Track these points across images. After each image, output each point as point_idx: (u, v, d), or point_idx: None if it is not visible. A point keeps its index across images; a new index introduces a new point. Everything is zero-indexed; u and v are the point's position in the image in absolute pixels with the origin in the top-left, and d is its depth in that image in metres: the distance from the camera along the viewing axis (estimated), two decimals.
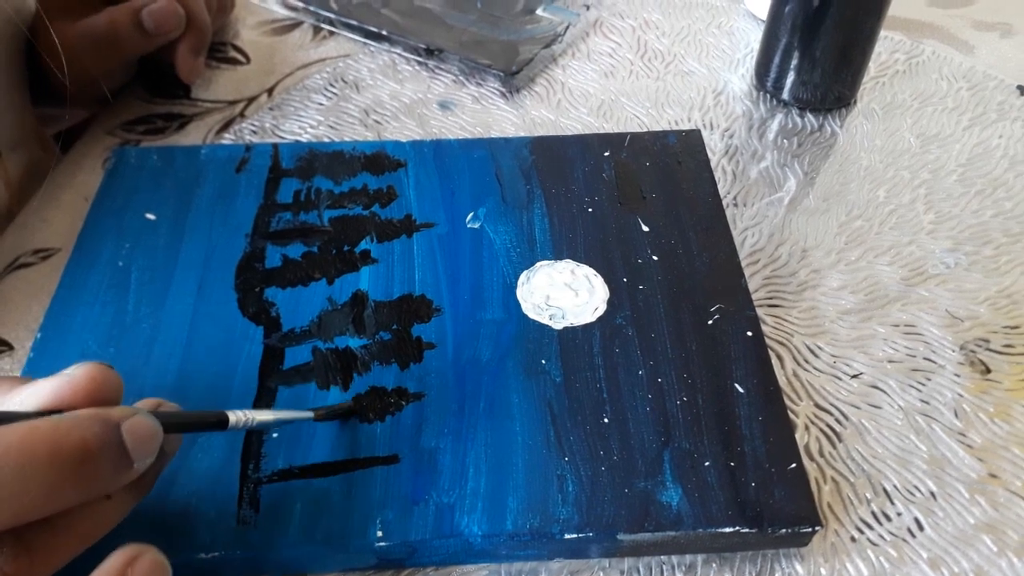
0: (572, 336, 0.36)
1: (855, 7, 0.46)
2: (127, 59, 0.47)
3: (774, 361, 0.38)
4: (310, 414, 0.32)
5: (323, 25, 0.56)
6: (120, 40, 0.45)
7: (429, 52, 0.53)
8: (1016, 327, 0.39)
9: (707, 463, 0.32)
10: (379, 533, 0.30)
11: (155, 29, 0.45)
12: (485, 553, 0.31)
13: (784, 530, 0.30)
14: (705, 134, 0.48)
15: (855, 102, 0.51)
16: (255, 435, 0.32)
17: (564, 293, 0.37)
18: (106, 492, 0.24)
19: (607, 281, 0.38)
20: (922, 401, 0.36)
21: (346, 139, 0.48)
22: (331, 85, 0.52)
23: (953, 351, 0.38)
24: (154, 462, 0.25)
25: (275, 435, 0.32)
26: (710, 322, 0.36)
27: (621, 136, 0.45)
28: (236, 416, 0.28)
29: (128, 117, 0.50)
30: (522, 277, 0.38)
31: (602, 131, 0.49)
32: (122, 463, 0.24)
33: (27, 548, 0.22)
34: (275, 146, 0.44)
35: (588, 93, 0.52)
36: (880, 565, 0.32)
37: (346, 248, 0.39)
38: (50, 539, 0.23)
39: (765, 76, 0.51)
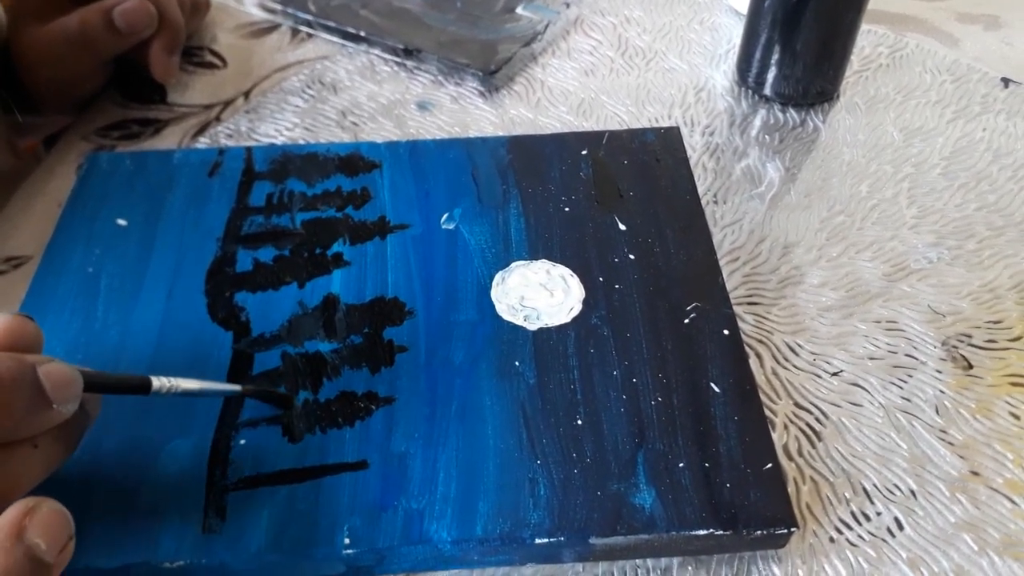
0: (547, 337, 0.35)
1: (835, 0, 0.45)
2: (100, 60, 0.47)
3: (753, 360, 0.37)
4: (238, 387, 0.32)
5: (301, 27, 0.55)
6: (92, 40, 0.44)
7: (407, 52, 0.52)
8: (998, 322, 0.38)
9: (681, 464, 0.31)
10: (346, 540, 0.29)
11: (127, 28, 0.44)
12: (455, 559, 0.30)
13: (759, 532, 0.30)
14: (686, 131, 0.48)
15: (838, 96, 0.50)
16: (222, 441, 0.32)
17: (539, 293, 0.37)
18: (27, 431, 0.25)
19: (583, 281, 0.37)
20: (903, 398, 0.36)
21: (322, 141, 0.47)
22: (308, 87, 0.51)
23: (935, 347, 0.38)
24: (77, 419, 0.26)
25: (243, 442, 0.32)
26: (686, 321, 0.36)
27: (599, 134, 0.44)
28: (160, 382, 0.29)
29: (103, 122, 0.49)
30: (497, 278, 0.38)
31: (582, 129, 0.48)
32: (39, 401, 0.25)
33: None
34: (248, 149, 0.43)
35: (568, 91, 0.51)
36: (859, 566, 0.31)
37: (318, 251, 0.38)
38: None
39: (747, 72, 0.50)
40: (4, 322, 0.27)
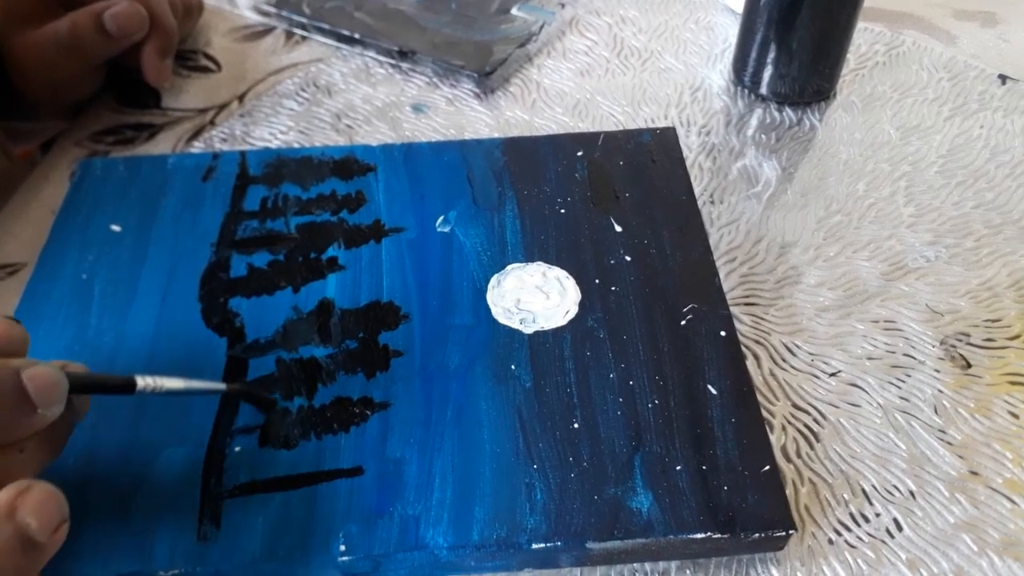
0: (543, 340, 0.35)
1: None
2: (92, 64, 0.46)
3: (751, 361, 0.37)
4: (222, 386, 0.32)
5: (295, 30, 0.55)
6: (83, 44, 0.44)
7: (402, 55, 0.52)
8: (997, 320, 0.38)
9: (678, 467, 0.31)
10: (342, 547, 0.29)
11: (118, 31, 0.44)
12: (452, 565, 0.30)
13: (757, 534, 0.29)
14: (682, 131, 0.48)
15: (834, 95, 0.50)
16: (217, 449, 0.32)
17: (535, 296, 0.37)
18: (11, 436, 0.25)
19: (579, 283, 0.37)
20: (901, 398, 0.36)
21: (317, 144, 0.47)
22: (303, 90, 0.51)
23: (933, 346, 0.37)
24: (63, 421, 0.26)
25: (237, 449, 0.32)
26: (683, 322, 0.36)
27: (594, 135, 0.44)
28: (144, 381, 0.29)
29: (97, 128, 0.49)
30: (492, 281, 0.37)
31: (578, 131, 0.48)
32: (24, 406, 0.25)
33: None
34: (243, 153, 0.43)
35: (564, 92, 0.51)
36: (858, 567, 0.31)
37: (313, 255, 0.38)
38: None
39: (743, 71, 0.50)
40: None
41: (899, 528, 0.32)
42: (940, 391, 0.36)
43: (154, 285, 0.37)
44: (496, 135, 0.48)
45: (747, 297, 0.40)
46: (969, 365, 0.37)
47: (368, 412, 0.33)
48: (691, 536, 0.29)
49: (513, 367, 0.34)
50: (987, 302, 0.39)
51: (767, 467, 0.31)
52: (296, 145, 0.47)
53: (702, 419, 0.32)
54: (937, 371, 0.37)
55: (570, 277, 0.37)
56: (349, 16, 0.54)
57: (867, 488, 0.33)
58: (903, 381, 0.36)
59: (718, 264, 0.38)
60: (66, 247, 0.39)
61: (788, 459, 0.34)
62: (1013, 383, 0.36)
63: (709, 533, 0.29)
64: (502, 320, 0.36)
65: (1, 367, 0.25)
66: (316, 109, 0.50)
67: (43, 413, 0.25)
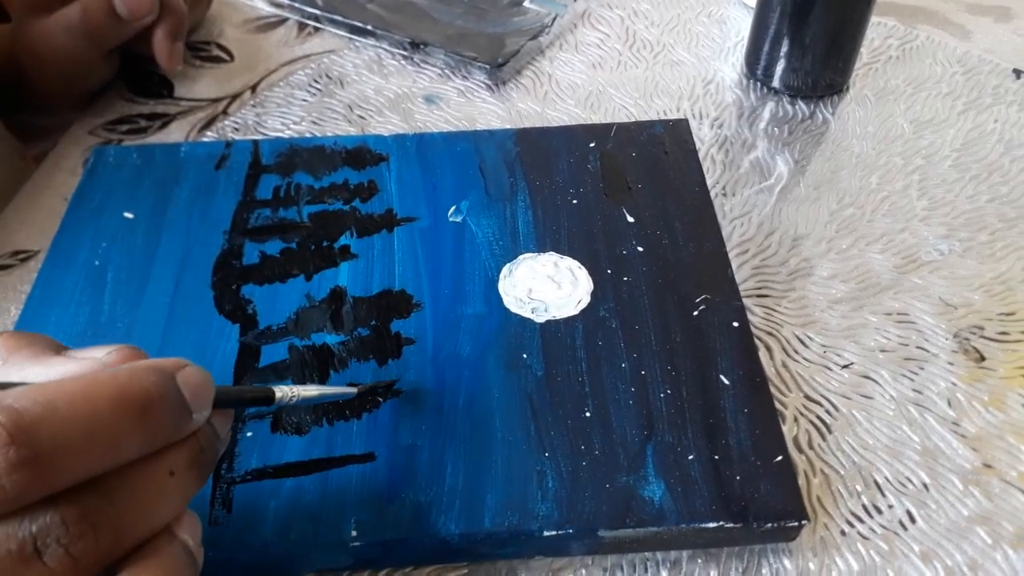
0: (555, 329, 0.35)
1: None
2: (104, 49, 0.47)
3: (763, 352, 0.37)
4: (352, 390, 0.32)
5: (308, 21, 0.55)
6: (95, 29, 0.44)
7: (414, 46, 0.52)
8: (1011, 314, 0.38)
9: (691, 457, 0.31)
10: (354, 533, 0.29)
11: (129, 15, 0.44)
12: (463, 552, 0.30)
13: (770, 524, 0.29)
14: (695, 124, 0.48)
15: (847, 89, 0.50)
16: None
17: (547, 286, 0.37)
18: (170, 440, 0.23)
19: (591, 273, 0.37)
20: (915, 391, 0.36)
21: (329, 135, 0.47)
22: (315, 81, 0.51)
23: (946, 339, 0.37)
24: (212, 444, 0.25)
25: (249, 434, 0.32)
26: (695, 313, 0.35)
27: (607, 127, 0.44)
28: (282, 391, 0.28)
29: (110, 117, 0.49)
30: (504, 270, 0.37)
31: (589, 122, 0.48)
32: (182, 412, 0.23)
33: (92, 526, 0.21)
34: (255, 142, 0.43)
35: (576, 84, 0.51)
36: (871, 559, 0.31)
37: (325, 243, 0.38)
38: (115, 518, 0.22)
39: (755, 64, 0.50)
40: (120, 355, 0.25)
41: (912, 520, 0.32)
42: (954, 384, 0.36)
43: (167, 272, 0.37)
44: (508, 127, 0.48)
45: (759, 289, 0.39)
46: (983, 358, 0.37)
47: (380, 399, 0.33)
48: (703, 525, 0.29)
49: (525, 356, 0.34)
50: (1001, 295, 0.39)
51: (780, 457, 0.31)
52: (308, 135, 0.47)
53: (714, 409, 0.32)
54: (951, 364, 0.36)
55: (582, 267, 0.37)
56: (361, 7, 0.54)
57: (880, 480, 0.33)
58: (916, 374, 0.36)
59: (730, 256, 0.38)
60: (79, 234, 0.39)
61: (800, 450, 0.34)
62: None
63: (721, 522, 0.29)
64: (514, 309, 0.36)
65: (158, 370, 0.23)
66: (328, 100, 0.50)
67: (197, 417, 0.24)
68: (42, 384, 0.21)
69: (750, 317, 0.37)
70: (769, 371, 0.36)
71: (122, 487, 0.22)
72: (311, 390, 0.29)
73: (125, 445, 0.22)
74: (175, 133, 0.48)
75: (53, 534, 0.20)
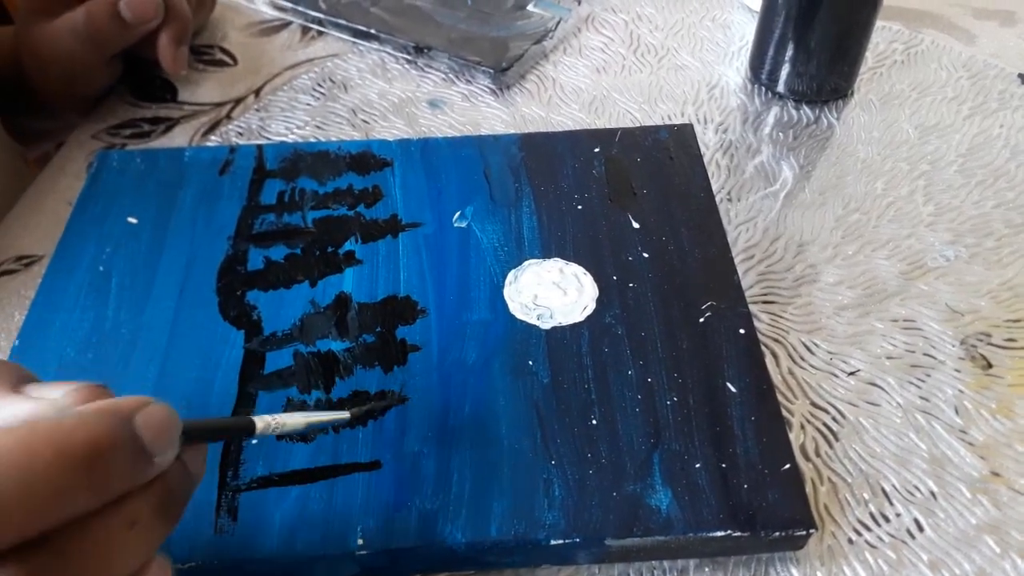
0: (560, 336, 0.35)
1: None
2: (108, 53, 0.46)
3: (769, 359, 0.37)
4: (346, 415, 0.31)
5: (312, 25, 0.55)
6: (99, 33, 0.44)
7: (418, 50, 0.52)
8: (1018, 320, 0.38)
9: (698, 465, 0.31)
10: (360, 541, 0.29)
11: (133, 19, 0.44)
12: (470, 560, 0.30)
13: (777, 533, 0.29)
14: (699, 129, 0.48)
15: (852, 93, 0.50)
16: (234, 441, 0.31)
17: (552, 292, 0.37)
18: (128, 489, 0.21)
19: (596, 279, 0.37)
20: (922, 398, 0.35)
21: (333, 139, 0.47)
22: (319, 85, 0.51)
23: (953, 346, 0.37)
24: (180, 485, 0.23)
25: (254, 442, 0.32)
26: (701, 320, 0.35)
27: (612, 132, 0.44)
28: (263, 421, 0.26)
29: (113, 121, 0.49)
30: (509, 276, 0.37)
31: (594, 127, 0.48)
32: (139, 457, 0.21)
33: None
34: (259, 147, 0.43)
35: (580, 89, 0.51)
36: (879, 568, 0.31)
37: (330, 249, 0.38)
38: (59, 570, 0.20)
39: (760, 69, 0.50)
40: (78, 394, 0.23)
41: (920, 529, 0.32)
42: (961, 391, 0.36)
43: (171, 278, 0.37)
44: (512, 131, 0.47)
45: (765, 295, 0.39)
46: (990, 365, 0.36)
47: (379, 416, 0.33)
48: (711, 534, 0.29)
49: (530, 363, 0.34)
50: (1008, 302, 0.39)
51: (787, 466, 0.31)
52: (312, 140, 0.47)
53: (721, 417, 0.32)
54: (958, 371, 0.36)
55: (587, 273, 0.37)
56: (365, 12, 0.54)
57: (887, 488, 0.33)
58: (923, 381, 0.36)
59: (736, 262, 0.38)
60: (83, 239, 0.39)
61: (807, 458, 0.34)
62: None
63: (729, 531, 0.29)
64: (519, 316, 0.36)
65: (111, 414, 0.21)
66: (332, 104, 0.50)
67: (159, 460, 0.22)
68: None
69: (756, 324, 0.37)
70: (775, 378, 0.36)
71: (76, 543, 0.20)
72: (298, 418, 0.28)
73: (70, 500, 0.20)
74: (179, 137, 0.48)
75: None
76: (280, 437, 0.32)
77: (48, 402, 0.23)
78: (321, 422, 0.30)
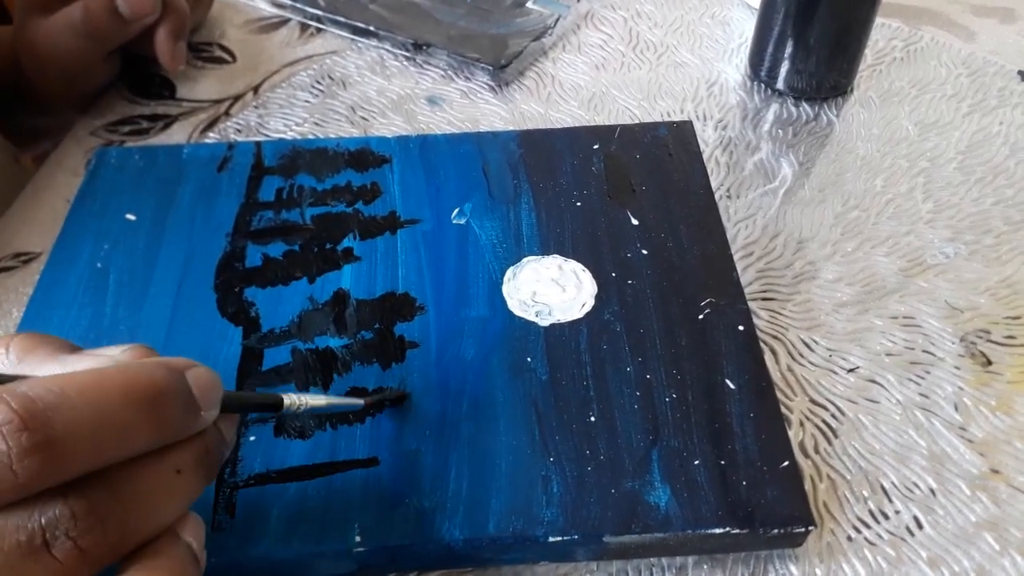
0: (559, 333, 0.35)
1: None
2: (106, 49, 0.46)
3: (768, 356, 0.37)
4: (360, 402, 0.31)
5: (310, 22, 0.55)
6: (97, 28, 0.44)
7: (417, 47, 0.52)
8: (1018, 317, 0.38)
9: (697, 462, 0.31)
10: (357, 538, 0.29)
11: (131, 14, 0.44)
12: (468, 557, 0.30)
13: (776, 530, 0.29)
14: (698, 126, 0.47)
15: (851, 90, 0.50)
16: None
17: (551, 289, 0.36)
18: (178, 436, 0.23)
19: (595, 276, 0.37)
20: (921, 395, 0.35)
21: (331, 136, 0.47)
22: (317, 82, 0.51)
23: (953, 343, 0.37)
24: (217, 445, 0.25)
25: (252, 438, 0.32)
26: (700, 317, 0.35)
27: (611, 128, 0.44)
28: (290, 399, 0.28)
29: (112, 118, 0.49)
30: (508, 273, 0.37)
31: (593, 124, 0.48)
32: (191, 408, 0.23)
33: (100, 520, 0.21)
34: (258, 144, 0.43)
35: (579, 86, 0.51)
36: (878, 565, 0.31)
37: (328, 246, 0.38)
38: (122, 513, 0.22)
39: (759, 66, 0.50)
40: (132, 353, 0.25)
41: (919, 526, 0.31)
42: (960, 388, 0.35)
43: (169, 274, 0.37)
44: (511, 128, 0.47)
45: (764, 292, 0.39)
46: (990, 362, 0.36)
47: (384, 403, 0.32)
48: (710, 531, 0.29)
49: (529, 359, 0.34)
50: (1007, 299, 0.39)
51: (786, 463, 0.31)
52: (311, 137, 0.47)
53: (720, 414, 0.32)
54: (957, 368, 0.36)
55: (586, 270, 0.37)
56: (364, 8, 0.54)
57: (886, 485, 0.33)
58: (922, 378, 0.36)
59: (735, 259, 0.38)
60: (81, 236, 0.39)
61: (806, 455, 0.34)
62: None
63: (728, 528, 0.29)
64: (518, 312, 0.36)
65: (168, 367, 0.23)
66: (331, 101, 0.50)
67: (204, 416, 0.24)
68: (55, 375, 0.21)
69: (755, 320, 0.37)
70: (774, 375, 0.36)
71: (129, 483, 0.22)
72: (319, 399, 0.29)
73: (134, 436, 0.22)
74: (177, 134, 0.48)
75: (62, 527, 0.20)
76: (279, 432, 0.32)
77: (107, 357, 0.24)
78: (339, 405, 0.30)
